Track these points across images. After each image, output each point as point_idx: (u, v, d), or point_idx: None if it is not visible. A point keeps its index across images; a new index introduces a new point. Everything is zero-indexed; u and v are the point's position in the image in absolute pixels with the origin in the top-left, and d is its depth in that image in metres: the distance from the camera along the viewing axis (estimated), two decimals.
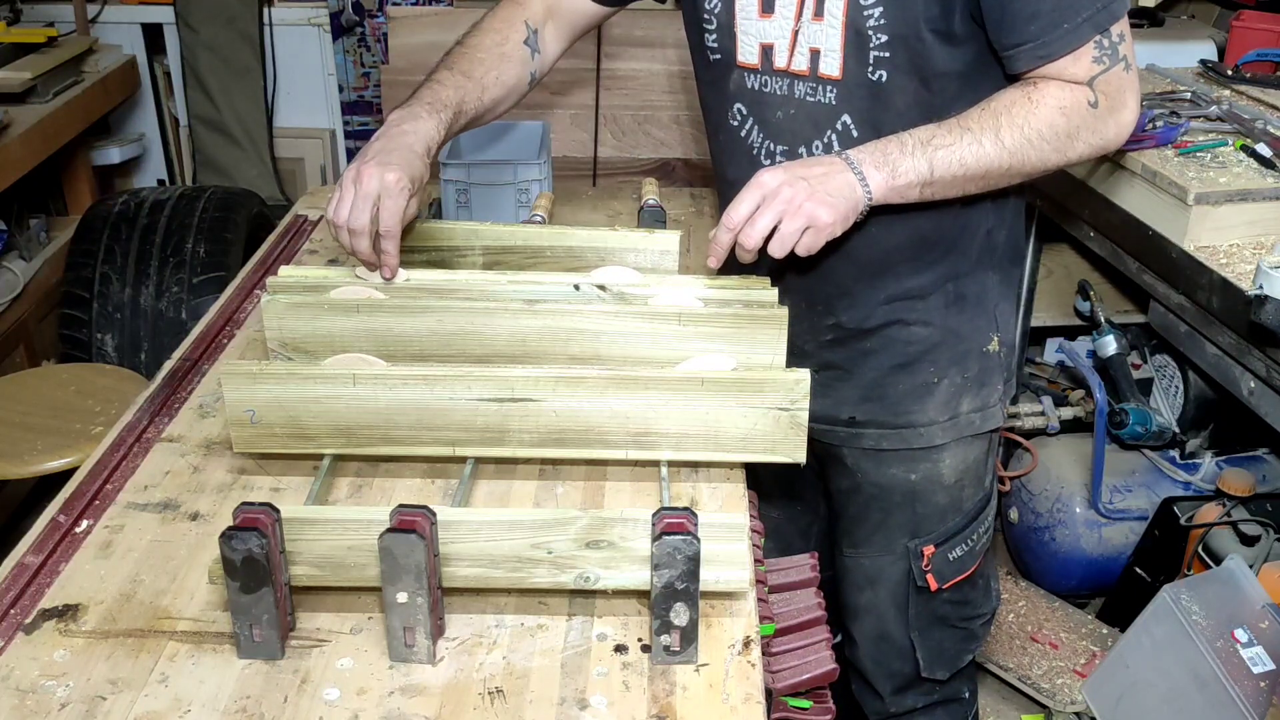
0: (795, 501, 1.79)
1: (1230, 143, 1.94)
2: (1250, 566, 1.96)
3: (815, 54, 1.36)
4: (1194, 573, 2.12)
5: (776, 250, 1.28)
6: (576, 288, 1.39)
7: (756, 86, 1.43)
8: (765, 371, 1.26)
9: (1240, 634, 1.86)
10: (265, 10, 3.39)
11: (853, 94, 1.36)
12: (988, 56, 1.34)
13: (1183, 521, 2.22)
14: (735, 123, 1.47)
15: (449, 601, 1.10)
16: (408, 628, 1.03)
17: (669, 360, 1.32)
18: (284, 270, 1.43)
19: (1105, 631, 2.38)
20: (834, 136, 1.39)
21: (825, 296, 1.50)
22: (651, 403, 1.24)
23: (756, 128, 1.45)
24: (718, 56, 1.45)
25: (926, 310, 1.49)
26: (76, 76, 3.12)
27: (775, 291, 1.39)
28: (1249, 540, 2.12)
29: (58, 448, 2.04)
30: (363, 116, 3.47)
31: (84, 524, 1.22)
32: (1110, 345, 2.39)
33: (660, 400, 1.24)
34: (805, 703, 1.20)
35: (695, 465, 1.30)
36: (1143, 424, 2.35)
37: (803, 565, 1.32)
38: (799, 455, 1.27)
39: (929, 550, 1.58)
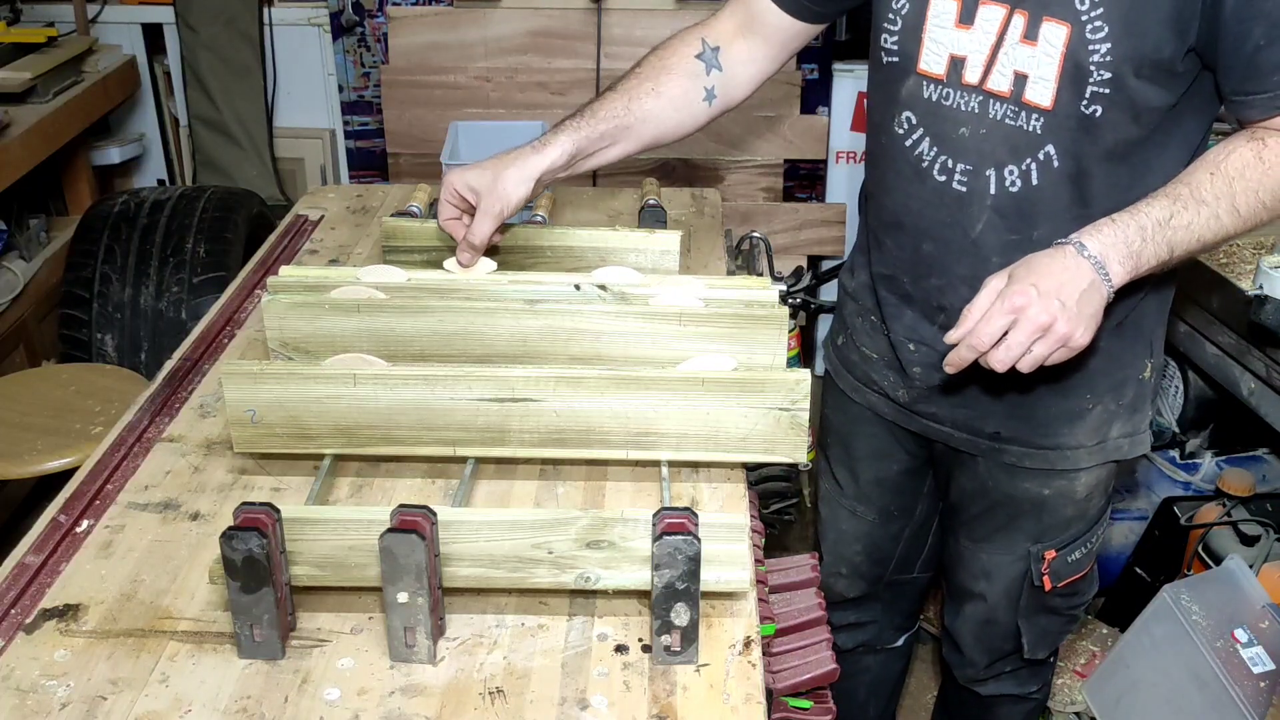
0: (893, 505, 1.73)
1: None
2: (1250, 566, 1.97)
3: (1021, 78, 1.28)
4: (1194, 573, 2.13)
5: (1028, 366, 1.22)
6: (577, 288, 1.39)
7: (935, 98, 1.35)
8: (766, 372, 1.26)
9: (1240, 634, 1.86)
10: (265, 10, 3.39)
11: (1062, 126, 1.29)
12: (1199, 93, 1.29)
13: (1183, 521, 2.23)
14: (901, 131, 1.40)
15: (449, 601, 1.10)
16: (408, 628, 1.03)
17: (669, 360, 1.32)
18: (284, 270, 1.43)
19: (1105, 631, 2.38)
20: (1033, 165, 1.32)
21: None
22: (652, 403, 1.24)
23: (929, 140, 1.38)
24: (894, 59, 1.38)
25: None
26: (76, 76, 3.12)
27: (776, 291, 1.39)
28: (1249, 540, 2.12)
29: (58, 448, 2.04)
30: (363, 116, 3.47)
31: (84, 524, 1.22)
32: None
33: (660, 400, 1.24)
34: (806, 703, 1.20)
35: (695, 465, 1.30)
36: None
37: (803, 565, 1.32)
38: (799, 455, 1.27)
39: (1050, 555, 1.56)
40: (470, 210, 1.45)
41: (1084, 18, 1.23)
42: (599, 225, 1.66)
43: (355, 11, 3.32)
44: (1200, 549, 2.16)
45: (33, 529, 1.22)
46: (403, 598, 1.02)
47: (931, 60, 1.34)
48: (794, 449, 1.26)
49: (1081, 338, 1.21)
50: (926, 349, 1.49)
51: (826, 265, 3.38)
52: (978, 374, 1.33)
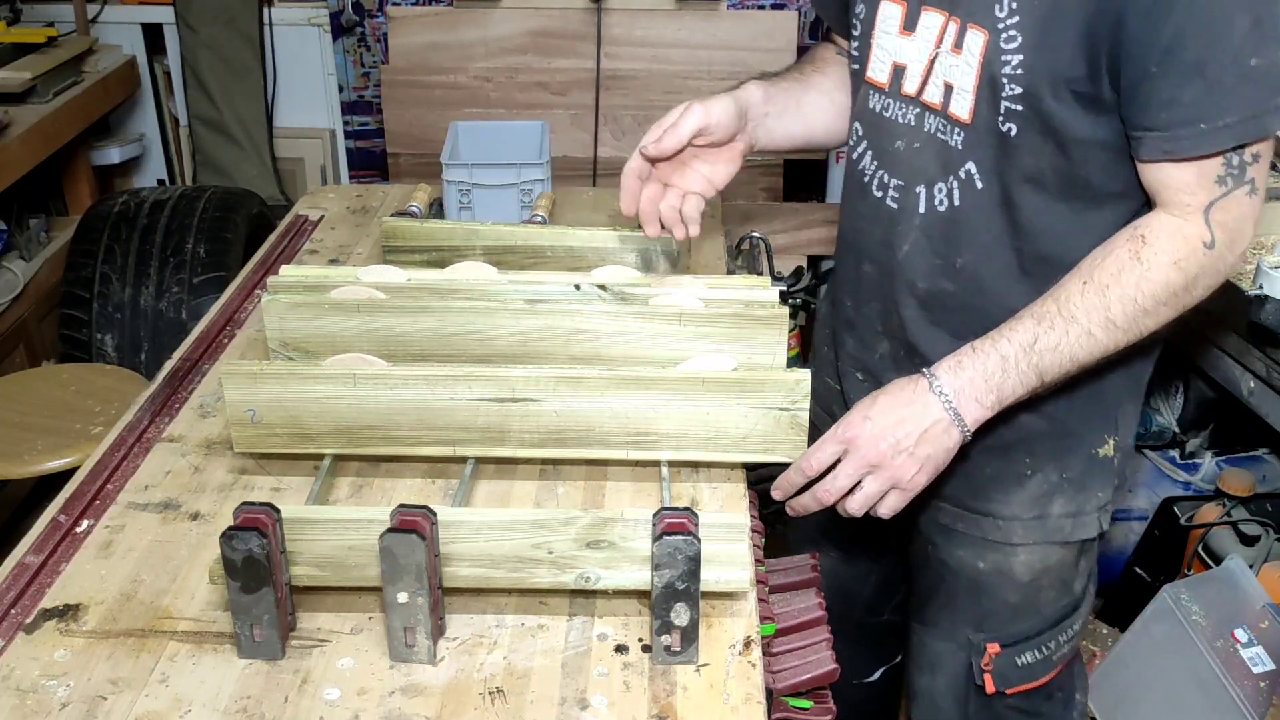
0: (856, 544, 1.64)
1: None
2: (1250, 566, 1.97)
3: (949, 89, 1.20)
4: (1194, 573, 2.13)
5: (855, 508, 1.19)
6: (577, 287, 1.39)
7: (878, 108, 1.29)
8: (766, 372, 1.26)
9: (1240, 634, 1.86)
10: (265, 10, 3.39)
11: (981, 141, 1.19)
12: None
13: (1183, 521, 2.22)
14: (851, 143, 1.35)
15: (449, 601, 1.10)
16: (408, 628, 1.03)
17: (669, 360, 1.32)
18: (285, 270, 1.43)
19: (1105, 631, 2.38)
20: (955, 184, 1.22)
21: (912, 349, 1.34)
22: (652, 403, 1.24)
23: (870, 154, 1.32)
24: (855, 67, 1.33)
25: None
26: (76, 76, 3.12)
27: (776, 291, 1.39)
28: (1249, 540, 2.12)
29: (58, 448, 2.04)
30: (363, 116, 3.47)
31: (84, 524, 1.22)
32: None
33: (660, 400, 1.24)
34: (806, 703, 1.20)
35: (695, 465, 1.30)
36: (1143, 424, 2.36)
37: (803, 565, 1.32)
38: (799, 455, 1.27)
39: (993, 648, 1.40)
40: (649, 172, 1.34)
41: (999, 25, 1.13)
42: (599, 225, 1.66)
43: (355, 11, 3.33)
44: (1200, 549, 2.16)
45: (33, 529, 1.22)
46: (403, 598, 1.02)
47: (877, 68, 1.29)
48: (794, 449, 1.26)
49: (915, 480, 1.16)
50: (871, 381, 1.38)
51: (826, 265, 3.38)
52: None
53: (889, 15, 1.26)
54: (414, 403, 1.24)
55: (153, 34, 3.49)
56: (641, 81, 3.26)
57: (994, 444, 1.29)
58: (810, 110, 1.43)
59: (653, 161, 1.32)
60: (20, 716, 0.99)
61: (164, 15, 3.42)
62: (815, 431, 1.27)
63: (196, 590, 1.13)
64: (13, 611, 1.10)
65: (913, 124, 1.25)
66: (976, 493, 1.35)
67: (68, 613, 1.10)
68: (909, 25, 1.24)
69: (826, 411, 1.50)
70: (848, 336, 1.43)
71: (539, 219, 1.78)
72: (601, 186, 3.21)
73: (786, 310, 1.33)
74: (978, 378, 1.15)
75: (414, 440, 1.27)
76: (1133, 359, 1.28)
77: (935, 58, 1.21)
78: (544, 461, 1.31)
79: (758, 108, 1.37)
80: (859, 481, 1.18)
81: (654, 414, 1.25)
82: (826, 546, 1.61)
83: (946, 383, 1.16)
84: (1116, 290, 1.13)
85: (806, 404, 1.24)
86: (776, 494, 1.23)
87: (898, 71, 1.26)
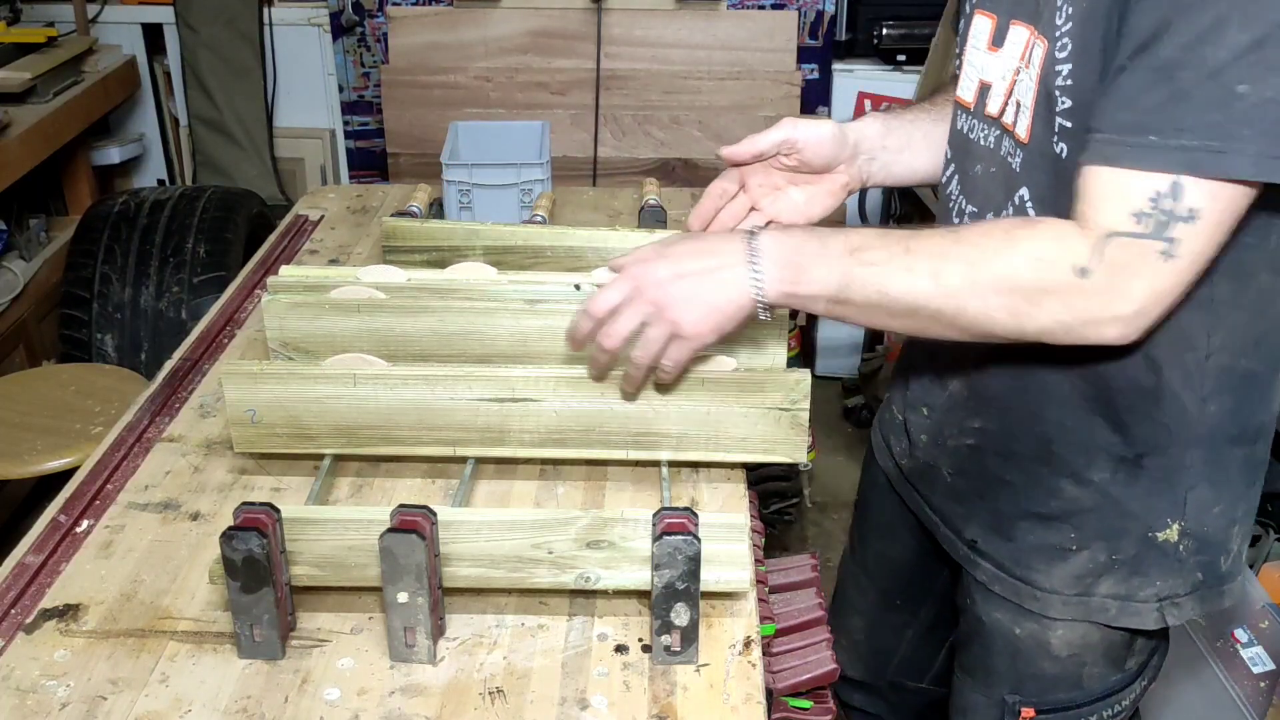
0: (892, 591, 1.52)
1: None
2: (1250, 566, 1.97)
3: (1019, 107, 1.08)
4: None
5: (640, 356, 1.11)
6: (577, 287, 1.39)
7: (964, 130, 1.18)
8: (766, 372, 1.26)
9: (1240, 634, 1.86)
10: (265, 10, 3.39)
11: (1035, 164, 1.07)
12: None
13: None
14: (944, 168, 1.24)
15: (449, 601, 1.10)
16: (408, 628, 1.03)
17: None
18: (285, 270, 1.43)
19: None
20: (1011, 212, 1.10)
21: (976, 393, 1.21)
22: (652, 403, 1.24)
23: (956, 179, 1.20)
24: (955, 85, 1.22)
25: (1087, 462, 1.15)
26: (76, 76, 3.12)
27: None
28: (1250, 540, 2.12)
29: (58, 448, 2.04)
30: (363, 116, 3.47)
31: (84, 524, 1.22)
32: None
33: (660, 400, 1.24)
34: (806, 703, 1.20)
35: (696, 465, 1.30)
36: None
37: (803, 565, 1.32)
38: (799, 455, 1.27)
39: (1027, 713, 1.28)
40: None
41: (1057, 33, 1.01)
42: (599, 225, 1.66)
43: (355, 11, 3.33)
44: None
45: (33, 529, 1.22)
46: (403, 598, 1.02)
47: (966, 86, 1.18)
48: (794, 449, 1.26)
49: (695, 327, 1.07)
50: (933, 417, 1.29)
51: None
52: (969, 468, 1.22)
53: (980, 30, 1.16)
54: (414, 403, 1.24)
55: (153, 34, 3.49)
56: (641, 81, 3.26)
57: (1040, 511, 1.19)
58: (939, 142, 1.30)
59: (742, 182, 1.27)
60: (20, 716, 0.99)
61: (164, 15, 3.42)
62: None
63: (196, 590, 1.13)
64: (13, 611, 1.10)
65: (991, 147, 1.14)
66: (1018, 559, 1.22)
67: (68, 613, 1.10)
68: (997, 40, 1.13)
69: (885, 440, 1.44)
70: (922, 368, 1.31)
71: (539, 219, 1.78)
72: (601, 186, 3.21)
73: (786, 311, 1.33)
74: (791, 249, 1.05)
75: (414, 440, 1.27)
76: (1224, 445, 1.13)
77: (1018, 75, 1.09)
78: (544, 461, 1.32)
79: (872, 141, 1.30)
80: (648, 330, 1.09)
81: (654, 414, 1.25)
82: (865, 583, 1.54)
83: (763, 239, 1.06)
84: (964, 249, 1.00)
85: (806, 404, 1.24)
86: (570, 345, 1.15)
87: (983, 90, 1.15)
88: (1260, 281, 1.05)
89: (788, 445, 1.26)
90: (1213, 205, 0.91)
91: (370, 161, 3.52)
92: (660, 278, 1.07)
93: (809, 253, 1.04)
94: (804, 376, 1.23)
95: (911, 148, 1.32)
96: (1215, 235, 0.93)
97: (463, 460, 1.29)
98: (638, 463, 1.30)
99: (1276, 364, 1.12)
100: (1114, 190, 0.93)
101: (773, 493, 2.65)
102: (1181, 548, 1.16)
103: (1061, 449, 1.15)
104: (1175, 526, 1.16)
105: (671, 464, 1.29)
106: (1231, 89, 0.88)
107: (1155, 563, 1.17)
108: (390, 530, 1.00)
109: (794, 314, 1.46)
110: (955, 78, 1.25)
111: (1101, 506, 1.16)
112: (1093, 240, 0.94)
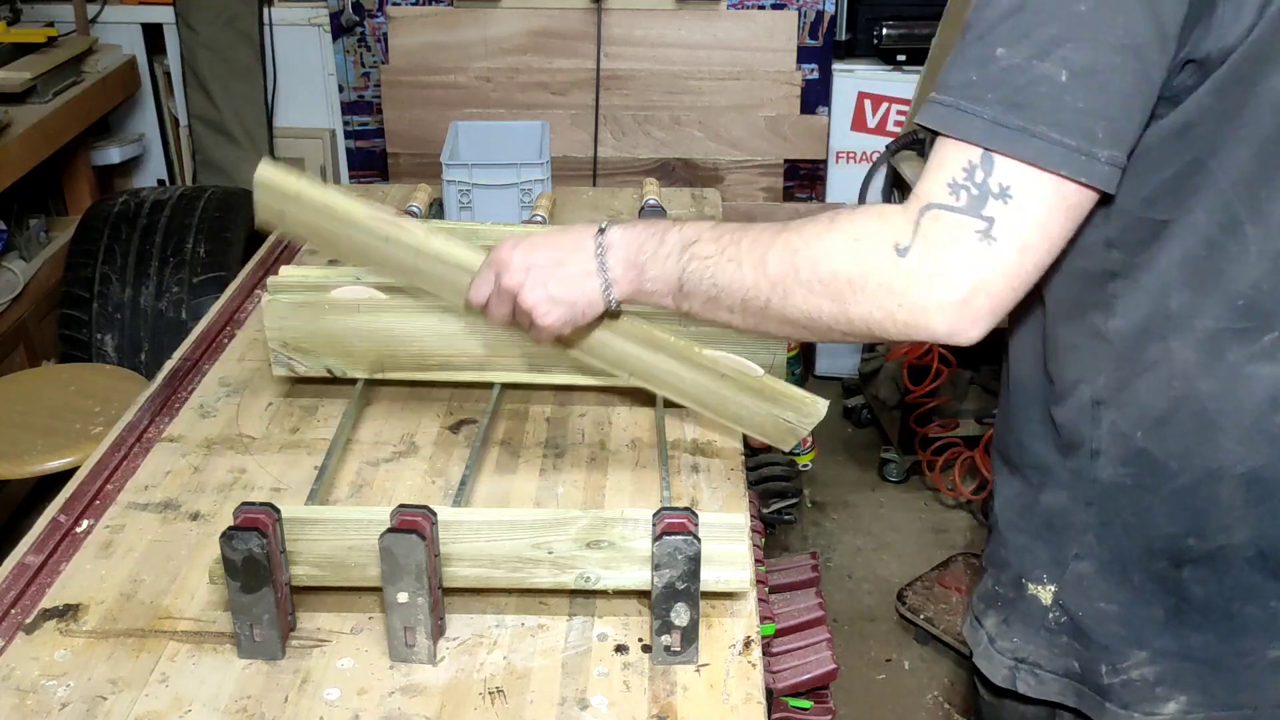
0: None
1: None
2: None
3: None
4: None
5: (527, 333, 1.15)
6: None
7: None
8: (789, 388, 1.23)
9: None
10: (265, 10, 3.38)
11: None
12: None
13: None
14: None
15: (449, 601, 1.10)
16: (408, 628, 1.03)
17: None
18: (285, 270, 1.43)
19: None
20: None
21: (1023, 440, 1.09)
22: (674, 368, 1.23)
23: None
24: None
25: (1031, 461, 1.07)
26: (76, 76, 3.12)
27: None
28: None
29: (58, 448, 2.04)
30: (363, 116, 3.47)
31: (84, 524, 1.22)
32: None
33: (684, 369, 1.23)
34: (806, 703, 1.20)
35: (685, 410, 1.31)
36: None
37: (803, 565, 1.32)
38: (785, 445, 1.27)
39: None
40: None
41: None
42: None
43: (355, 11, 3.32)
44: None
45: (33, 529, 1.22)
46: (403, 598, 1.02)
47: None
48: (783, 443, 1.27)
49: (546, 318, 1.09)
50: (999, 461, 1.15)
51: None
52: None
53: None
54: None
55: (153, 34, 3.49)
56: (641, 81, 3.26)
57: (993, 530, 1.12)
58: None
59: None
60: (20, 716, 0.99)
61: (164, 15, 3.41)
62: None
63: (196, 590, 1.13)
64: (13, 611, 1.10)
65: None
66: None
67: (68, 613, 1.10)
68: None
69: None
70: (1006, 412, 1.14)
71: (539, 219, 1.78)
72: (601, 186, 3.21)
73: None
74: (634, 243, 1.05)
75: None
76: (1117, 532, 0.99)
77: None
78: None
79: None
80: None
81: (673, 379, 1.24)
82: None
83: (611, 233, 1.07)
84: (787, 236, 0.94)
85: (812, 425, 1.23)
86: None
87: None
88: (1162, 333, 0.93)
89: (778, 439, 1.27)
90: (1025, 186, 0.82)
91: (370, 161, 3.52)
92: (514, 268, 1.09)
93: (648, 251, 1.04)
94: (821, 406, 1.22)
95: None
96: (1043, 225, 0.83)
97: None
98: (636, 401, 1.30)
99: (1189, 458, 0.95)
100: (935, 158, 0.86)
101: (773, 493, 2.64)
102: (1050, 616, 1.05)
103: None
104: (1049, 590, 1.04)
105: (666, 405, 1.35)
106: (991, 50, 0.83)
107: (1020, 616, 1.07)
108: (390, 530, 1.00)
109: None
110: None
111: (1003, 526, 1.09)
112: (913, 214, 0.86)
